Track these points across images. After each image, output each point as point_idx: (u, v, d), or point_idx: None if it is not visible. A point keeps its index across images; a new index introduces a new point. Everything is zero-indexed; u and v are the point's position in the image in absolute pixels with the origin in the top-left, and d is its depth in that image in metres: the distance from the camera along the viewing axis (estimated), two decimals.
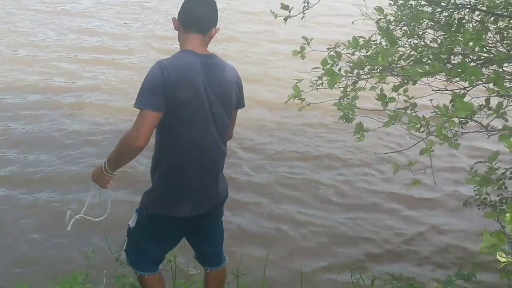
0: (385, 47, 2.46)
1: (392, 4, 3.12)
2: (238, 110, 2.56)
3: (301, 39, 2.68)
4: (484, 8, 3.02)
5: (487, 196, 3.16)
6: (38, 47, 8.61)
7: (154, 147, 2.39)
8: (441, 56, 2.48)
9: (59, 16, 10.56)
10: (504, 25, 3.03)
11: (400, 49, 2.66)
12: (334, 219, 4.74)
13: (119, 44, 9.13)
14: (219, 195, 2.53)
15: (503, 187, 2.86)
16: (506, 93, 2.18)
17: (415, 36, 2.94)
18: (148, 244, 2.52)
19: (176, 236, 2.59)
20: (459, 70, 2.03)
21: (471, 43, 2.37)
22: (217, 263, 2.73)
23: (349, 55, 2.48)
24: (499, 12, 2.90)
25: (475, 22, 3.08)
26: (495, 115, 2.06)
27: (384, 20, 2.97)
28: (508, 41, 3.05)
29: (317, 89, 2.78)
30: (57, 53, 8.43)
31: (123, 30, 10.10)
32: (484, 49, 2.71)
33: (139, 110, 2.14)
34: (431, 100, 2.42)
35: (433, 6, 3.00)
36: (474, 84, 2.24)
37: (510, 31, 3.02)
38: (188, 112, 2.23)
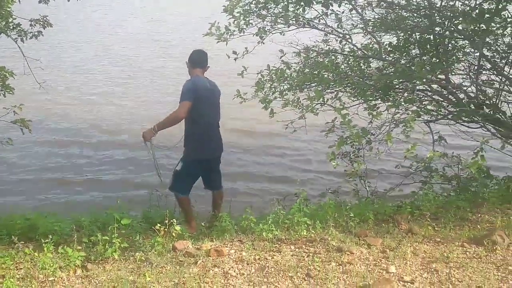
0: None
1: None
2: None
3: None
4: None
5: None
6: None
7: (186, 125, 4.61)
8: None
9: None
10: None
11: None
12: None
13: None
14: (220, 148, 4.86)
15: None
16: None
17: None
18: (187, 178, 4.73)
19: (200, 172, 4.82)
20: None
21: None
22: (219, 187, 5.02)
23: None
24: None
25: None
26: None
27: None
28: None
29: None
30: None
31: None
32: None
33: (181, 102, 4.40)
34: None
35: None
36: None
37: None
38: (204, 103, 4.52)
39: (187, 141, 4.69)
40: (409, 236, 3.73)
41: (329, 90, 5.17)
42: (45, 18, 6.26)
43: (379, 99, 5.16)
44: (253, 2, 5.41)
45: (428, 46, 5.16)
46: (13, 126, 5.63)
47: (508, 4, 4.36)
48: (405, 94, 5.02)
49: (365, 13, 5.63)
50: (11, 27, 5.86)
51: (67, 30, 19.76)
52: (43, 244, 3.48)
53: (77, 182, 7.13)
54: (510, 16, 4.33)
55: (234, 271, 3.24)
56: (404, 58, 5.47)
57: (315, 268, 3.22)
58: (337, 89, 5.15)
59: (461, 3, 4.85)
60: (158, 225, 3.95)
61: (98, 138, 8.95)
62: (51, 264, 3.30)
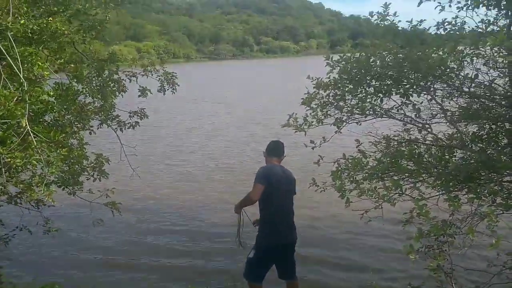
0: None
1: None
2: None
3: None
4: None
5: None
6: None
7: (259, 211, 4.78)
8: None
9: None
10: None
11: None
12: None
13: None
14: (294, 235, 4.90)
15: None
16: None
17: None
18: (258, 266, 4.79)
19: (273, 261, 4.87)
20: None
21: None
22: (293, 277, 4.96)
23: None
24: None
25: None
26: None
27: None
28: None
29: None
30: None
31: None
32: None
33: (255, 184, 4.62)
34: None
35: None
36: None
37: None
38: (276, 191, 4.69)
39: (260, 227, 4.77)
40: None
41: (409, 180, 5.06)
42: (142, 110, 6.91)
43: (462, 190, 4.93)
44: (330, 95, 5.64)
45: None
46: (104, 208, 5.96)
47: None
48: (490, 185, 4.74)
49: (449, 103, 5.59)
50: (111, 118, 6.53)
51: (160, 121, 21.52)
52: None
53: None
54: None
55: None
56: (492, 147, 5.26)
57: None
58: (416, 179, 5.02)
59: None
60: None
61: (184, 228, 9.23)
62: None
